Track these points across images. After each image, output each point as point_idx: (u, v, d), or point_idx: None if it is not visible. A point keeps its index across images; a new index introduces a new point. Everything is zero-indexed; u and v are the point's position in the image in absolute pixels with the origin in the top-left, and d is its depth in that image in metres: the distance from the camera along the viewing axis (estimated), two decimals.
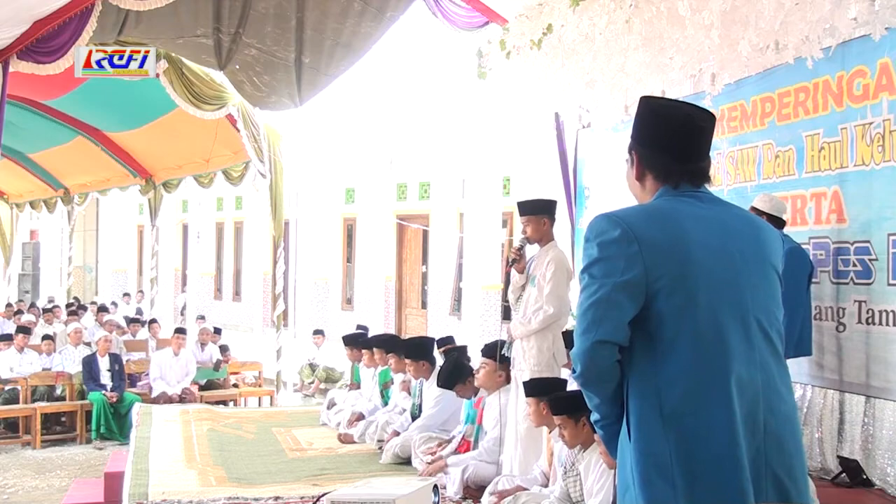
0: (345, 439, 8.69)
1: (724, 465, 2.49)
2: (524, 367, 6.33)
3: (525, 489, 5.75)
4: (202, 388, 12.75)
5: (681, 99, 6.16)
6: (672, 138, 2.74)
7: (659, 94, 6.64)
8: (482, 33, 9.02)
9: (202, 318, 15.18)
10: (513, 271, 6.53)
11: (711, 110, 3.16)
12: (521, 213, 6.62)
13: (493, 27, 8.87)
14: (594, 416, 2.74)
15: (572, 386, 5.91)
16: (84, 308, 17.89)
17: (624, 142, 8.34)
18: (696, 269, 2.57)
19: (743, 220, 2.77)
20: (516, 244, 6.65)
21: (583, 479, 5.10)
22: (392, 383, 9.06)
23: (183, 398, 12.08)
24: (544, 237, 6.56)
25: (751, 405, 2.55)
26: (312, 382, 14.76)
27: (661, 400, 2.54)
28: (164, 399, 11.88)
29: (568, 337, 6.30)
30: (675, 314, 2.56)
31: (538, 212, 6.58)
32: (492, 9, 8.88)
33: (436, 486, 5.48)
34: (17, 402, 11.60)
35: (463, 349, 8.46)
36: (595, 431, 2.81)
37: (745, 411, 2.53)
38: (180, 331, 13.09)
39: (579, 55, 7.33)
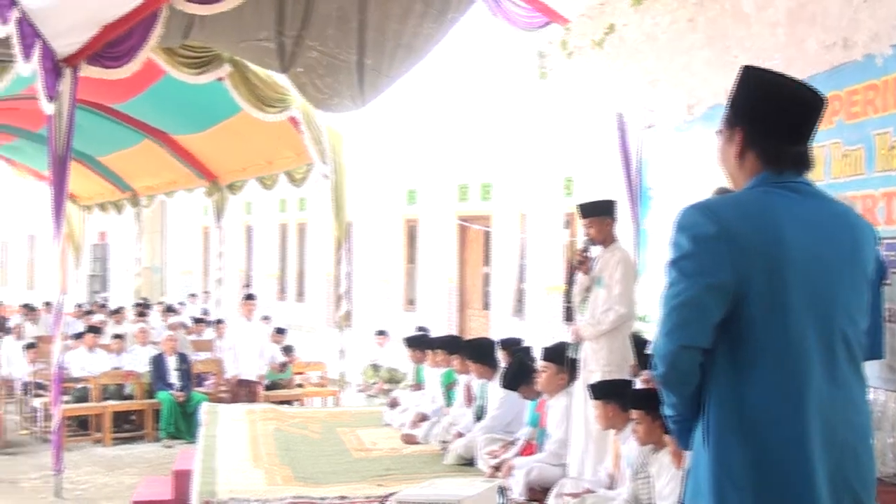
0: (408, 440, 8.73)
1: (796, 483, 2.41)
2: (594, 367, 6.31)
3: (592, 491, 5.73)
4: (267, 388, 12.89)
5: None
6: (784, 116, 2.56)
7: (723, 94, 6.58)
8: (543, 34, 8.99)
9: (267, 318, 15.33)
10: (579, 273, 6.51)
11: None
12: (584, 216, 6.60)
13: (554, 27, 8.84)
14: (668, 412, 2.63)
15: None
16: (149, 307, 18.19)
17: (688, 141, 8.28)
18: (790, 275, 2.44)
19: (841, 219, 2.60)
20: (580, 246, 6.64)
21: (654, 481, 5.07)
22: (456, 384, 9.07)
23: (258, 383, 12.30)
24: (608, 238, 6.55)
25: (830, 421, 2.44)
26: (376, 383, 14.82)
27: (740, 410, 2.45)
28: (238, 394, 12.06)
29: (636, 341, 6.28)
30: (764, 322, 2.44)
31: (601, 213, 6.57)
32: (553, 9, 8.84)
33: (501, 487, 5.48)
34: (88, 401, 11.84)
35: (527, 350, 8.45)
36: (668, 425, 2.72)
37: (824, 428, 2.43)
38: (249, 297, 13.22)
39: (642, 54, 7.28)
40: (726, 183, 2.89)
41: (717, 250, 2.45)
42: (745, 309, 2.45)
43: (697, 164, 8.18)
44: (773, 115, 2.57)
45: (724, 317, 2.46)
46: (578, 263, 6.56)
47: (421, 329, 12.77)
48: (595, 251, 6.62)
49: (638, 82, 7.67)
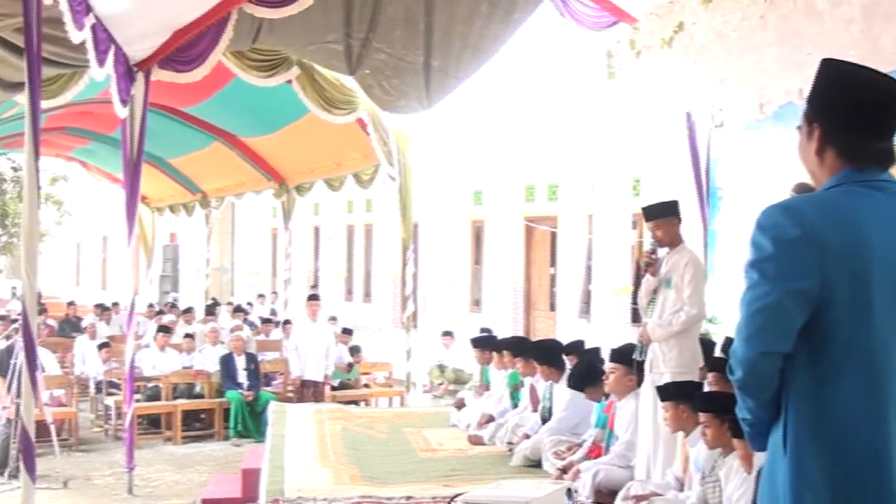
0: (475, 441, 8.72)
1: (876, 492, 2.33)
2: (663, 369, 6.25)
3: (659, 494, 5.68)
4: (334, 389, 12.98)
5: None
6: (864, 111, 2.45)
7: (796, 93, 6.48)
8: (611, 33, 8.93)
9: (334, 318, 15.44)
10: (647, 275, 6.46)
11: None
12: (649, 219, 6.54)
13: (622, 27, 8.77)
14: (744, 415, 2.56)
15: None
16: (218, 305, 18.43)
17: (759, 141, 8.13)
18: (874, 278, 2.35)
19: None
20: (647, 248, 6.58)
21: (723, 485, 5.01)
22: (522, 385, 9.05)
23: (324, 384, 12.39)
24: (675, 239, 6.49)
25: None
26: (441, 383, 14.86)
27: (820, 417, 2.38)
28: (304, 395, 12.14)
29: (703, 343, 6.22)
30: (847, 327, 2.36)
31: (667, 214, 6.51)
32: (621, 8, 8.77)
33: (569, 489, 5.45)
34: (160, 399, 12.03)
35: (595, 350, 8.39)
36: (742, 428, 2.63)
37: None
38: (313, 297, 13.26)
39: (712, 53, 7.19)
40: (801, 180, 2.83)
41: (800, 254, 2.36)
42: (828, 313, 2.37)
43: (769, 164, 8.05)
44: (853, 110, 2.46)
45: (806, 321, 2.38)
46: (646, 265, 6.50)
47: (485, 330, 12.77)
48: (661, 253, 6.57)
49: (707, 81, 7.58)
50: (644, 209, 6.71)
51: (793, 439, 2.42)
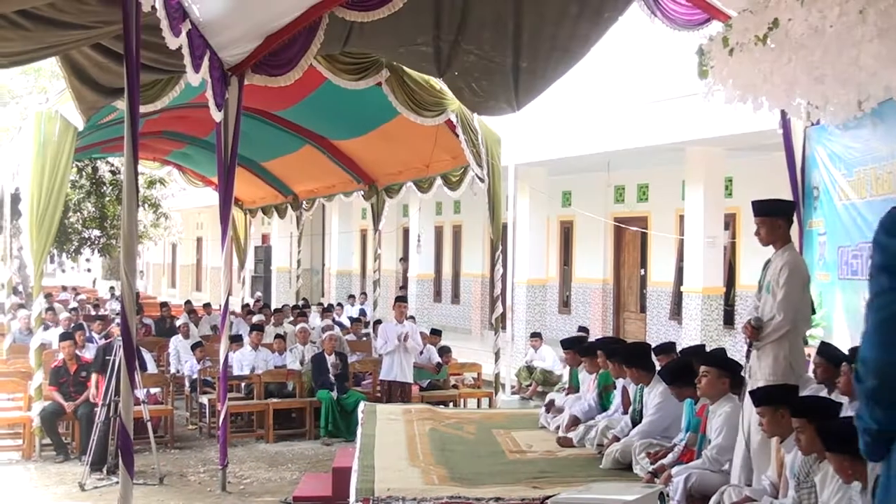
0: (564, 443, 8.68)
1: None
2: (759, 376, 6.13)
3: (753, 500, 5.57)
4: (423, 389, 13.03)
5: None
6: None
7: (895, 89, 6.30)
8: (703, 30, 8.80)
9: (412, 318, 15.46)
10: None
11: None
12: (755, 214, 6.43)
13: (714, 24, 8.65)
14: (869, 425, 2.41)
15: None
16: (308, 306, 18.64)
17: (858, 139, 7.90)
18: None
19: None
20: (752, 321, 6.30)
21: (818, 491, 4.89)
22: (613, 387, 8.97)
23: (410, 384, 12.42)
24: (778, 240, 6.34)
25: None
26: (530, 385, 14.82)
27: None
28: (392, 395, 12.16)
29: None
30: None
31: (773, 213, 6.37)
32: (713, 5, 8.65)
33: (662, 493, 5.38)
34: (252, 398, 12.23)
35: (700, 350, 8.23)
36: (861, 437, 2.48)
37: None
38: (401, 299, 13.27)
39: (808, 49, 7.02)
40: None
41: None
42: None
43: (868, 162, 7.84)
44: None
45: None
46: (749, 342, 6.33)
47: (581, 329, 12.67)
48: (764, 253, 6.45)
49: (803, 78, 7.41)
50: (753, 203, 6.57)
51: None
